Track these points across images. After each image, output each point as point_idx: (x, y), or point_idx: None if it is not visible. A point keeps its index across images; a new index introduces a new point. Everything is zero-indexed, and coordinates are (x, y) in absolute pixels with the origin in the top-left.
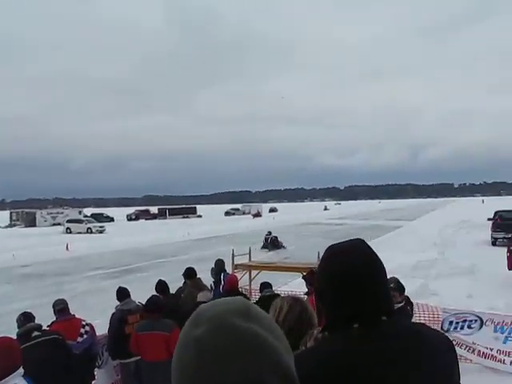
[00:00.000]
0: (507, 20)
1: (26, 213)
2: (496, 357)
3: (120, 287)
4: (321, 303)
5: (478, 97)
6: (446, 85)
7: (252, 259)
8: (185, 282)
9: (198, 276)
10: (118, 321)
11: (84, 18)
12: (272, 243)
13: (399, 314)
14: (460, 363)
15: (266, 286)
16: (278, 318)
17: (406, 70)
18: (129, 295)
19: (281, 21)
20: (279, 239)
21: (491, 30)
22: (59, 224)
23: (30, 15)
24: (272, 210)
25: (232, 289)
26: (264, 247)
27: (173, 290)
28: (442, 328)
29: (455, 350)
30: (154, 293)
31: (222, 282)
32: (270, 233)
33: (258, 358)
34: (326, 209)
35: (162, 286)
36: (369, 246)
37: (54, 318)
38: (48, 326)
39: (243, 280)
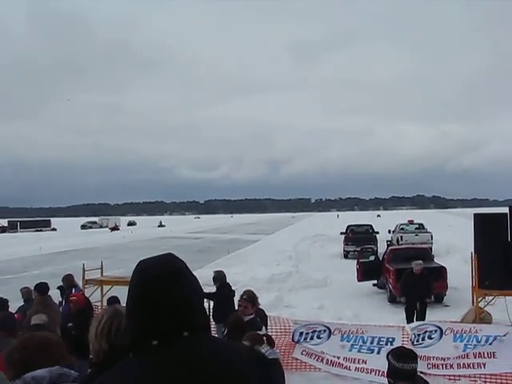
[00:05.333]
0: (367, 48)
1: None
2: (343, 364)
3: None
4: (126, 320)
5: (336, 117)
6: (308, 103)
7: (105, 274)
8: (26, 300)
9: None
10: None
11: None
12: None
13: (251, 325)
14: (310, 372)
15: (113, 300)
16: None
17: (270, 88)
18: None
19: (150, 34)
20: None
21: (354, 56)
22: None
23: None
24: (131, 224)
25: (79, 308)
26: None
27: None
28: (292, 339)
29: (265, 364)
30: None
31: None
32: None
33: None
34: (160, 225)
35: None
36: (176, 260)
37: None
38: None
39: (95, 296)
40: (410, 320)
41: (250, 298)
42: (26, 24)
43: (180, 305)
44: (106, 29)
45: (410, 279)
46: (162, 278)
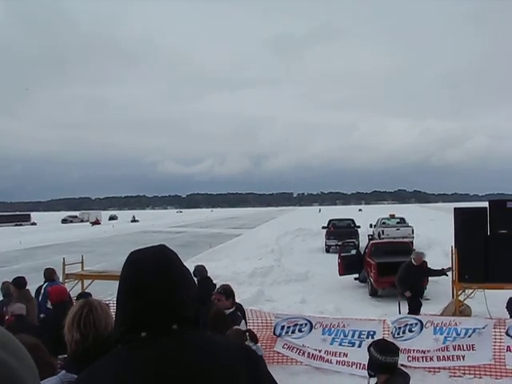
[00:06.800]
0: (352, 43)
1: None
2: (324, 357)
3: None
4: (116, 312)
5: (319, 112)
6: (292, 98)
7: (86, 268)
8: (5, 295)
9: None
10: None
11: None
12: None
13: (231, 319)
14: (291, 366)
15: (83, 296)
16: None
17: (254, 82)
18: None
19: (133, 28)
20: None
21: (338, 50)
22: None
23: None
24: (112, 218)
25: (58, 301)
26: None
27: None
28: (274, 333)
29: (254, 358)
30: None
31: (43, 291)
32: None
33: None
34: (134, 220)
35: None
36: (168, 252)
37: None
38: None
39: (75, 290)
40: (417, 311)
41: (224, 290)
42: (9, 16)
43: (169, 297)
44: (91, 22)
45: (412, 271)
46: (152, 270)
